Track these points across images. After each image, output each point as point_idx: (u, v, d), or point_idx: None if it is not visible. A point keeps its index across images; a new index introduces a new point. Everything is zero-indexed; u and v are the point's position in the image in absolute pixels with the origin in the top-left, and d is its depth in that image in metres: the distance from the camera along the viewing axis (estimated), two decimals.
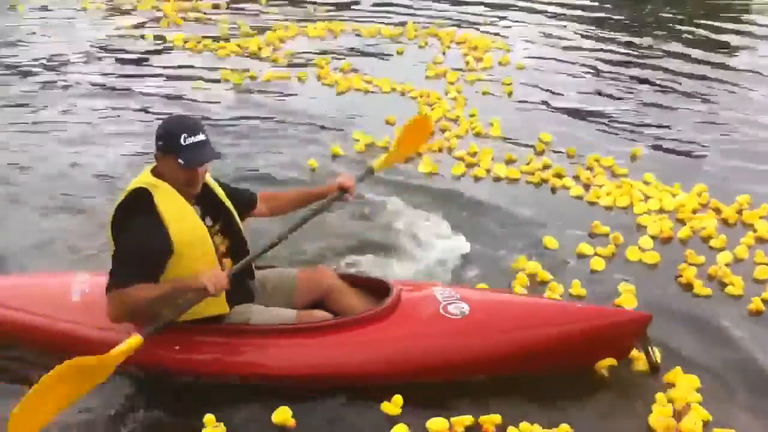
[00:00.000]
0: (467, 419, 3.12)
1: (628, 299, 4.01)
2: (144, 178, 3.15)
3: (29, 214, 5.04)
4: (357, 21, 10.00)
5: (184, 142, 3.05)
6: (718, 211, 5.05)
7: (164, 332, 3.17)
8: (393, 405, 3.20)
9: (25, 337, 3.54)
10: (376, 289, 3.60)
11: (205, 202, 3.27)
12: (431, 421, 3.11)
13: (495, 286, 4.05)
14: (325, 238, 4.61)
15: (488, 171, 5.65)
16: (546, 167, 5.68)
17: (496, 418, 3.13)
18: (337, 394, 3.28)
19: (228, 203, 3.37)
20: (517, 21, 10.38)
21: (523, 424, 3.09)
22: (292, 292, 3.53)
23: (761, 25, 10.60)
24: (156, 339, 3.15)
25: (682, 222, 4.91)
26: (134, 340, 2.99)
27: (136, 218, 3.08)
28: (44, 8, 10.47)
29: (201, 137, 3.10)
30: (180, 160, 3.06)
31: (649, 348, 3.43)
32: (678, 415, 3.17)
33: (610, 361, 3.44)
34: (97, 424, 3.20)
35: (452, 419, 3.12)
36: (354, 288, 3.60)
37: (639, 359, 3.49)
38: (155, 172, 3.17)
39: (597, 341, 3.42)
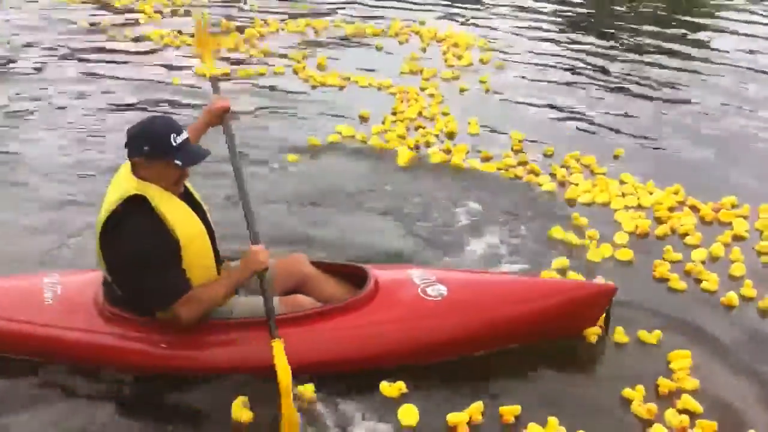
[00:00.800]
0: (479, 406, 3.16)
1: None
2: (132, 184, 3.08)
3: None
4: (339, 17, 9.92)
5: (175, 142, 3.03)
6: (695, 209, 5.02)
7: (149, 332, 3.25)
8: (394, 388, 3.25)
9: (2, 346, 3.42)
10: (350, 274, 3.62)
11: (183, 198, 3.24)
12: (451, 414, 3.13)
13: None
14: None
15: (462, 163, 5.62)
16: (522, 164, 5.64)
17: (516, 409, 3.17)
18: (331, 381, 3.29)
19: (197, 195, 3.34)
20: (500, 19, 10.33)
21: (551, 419, 3.10)
22: (271, 281, 3.48)
23: (742, 16, 10.62)
24: (141, 338, 3.26)
25: (659, 220, 4.87)
26: (278, 345, 3.08)
27: (141, 224, 3.04)
28: (27, 0, 10.30)
29: (186, 134, 3.10)
30: (177, 161, 3.03)
31: (609, 316, 3.67)
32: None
33: (596, 331, 3.65)
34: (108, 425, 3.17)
35: (467, 409, 3.15)
36: (329, 274, 3.60)
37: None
38: (139, 176, 3.09)
39: (571, 313, 3.59)
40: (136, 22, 9.32)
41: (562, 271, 4.24)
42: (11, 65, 7.79)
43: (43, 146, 5.93)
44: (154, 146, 3.03)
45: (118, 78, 7.46)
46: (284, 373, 3.01)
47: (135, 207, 3.04)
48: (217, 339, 3.30)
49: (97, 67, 7.76)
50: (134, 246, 3.04)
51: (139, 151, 3.05)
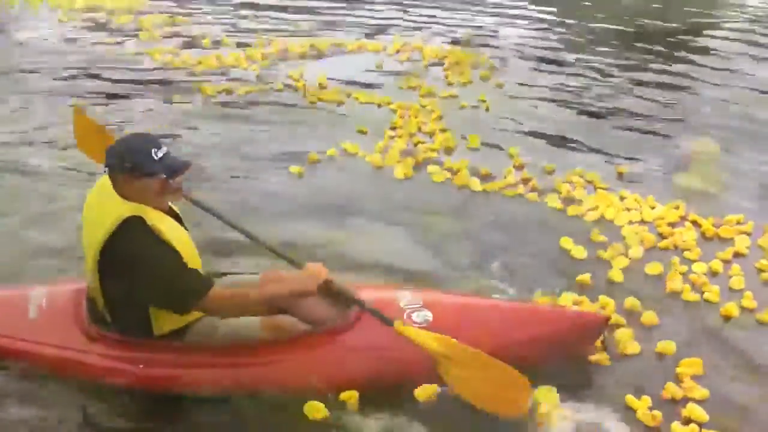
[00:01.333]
0: None
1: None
2: (124, 207, 3.04)
3: None
4: (341, 34, 9.97)
5: (156, 156, 3.02)
6: (696, 224, 5.02)
7: (128, 350, 3.23)
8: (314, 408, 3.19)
9: None
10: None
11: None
12: None
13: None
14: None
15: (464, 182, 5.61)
16: (524, 180, 5.63)
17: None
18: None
19: (176, 209, 3.34)
20: (504, 38, 10.39)
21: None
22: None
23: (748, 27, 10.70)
24: (122, 357, 3.25)
25: (662, 236, 4.87)
26: (399, 325, 3.19)
27: (146, 240, 3.01)
28: (19, 20, 10.35)
29: (165, 149, 3.10)
30: (162, 174, 3.03)
31: (606, 340, 3.65)
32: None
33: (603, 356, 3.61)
34: None
35: None
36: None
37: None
38: (122, 193, 3.07)
39: (560, 342, 3.48)
40: (137, 40, 9.35)
41: (580, 286, 4.26)
42: (6, 83, 7.81)
43: (33, 156, 5.93)
44: (136, 162, 3.02)
45: (115, 95, 7.47)
46: (425, 339, 3.09)
47: (133, 227, 3.02)
48: (198, 360, 3.25)
49: (94, 85, 7.78)
50: (147, 260, 3.00)
51: (121, 168, 3.04)
